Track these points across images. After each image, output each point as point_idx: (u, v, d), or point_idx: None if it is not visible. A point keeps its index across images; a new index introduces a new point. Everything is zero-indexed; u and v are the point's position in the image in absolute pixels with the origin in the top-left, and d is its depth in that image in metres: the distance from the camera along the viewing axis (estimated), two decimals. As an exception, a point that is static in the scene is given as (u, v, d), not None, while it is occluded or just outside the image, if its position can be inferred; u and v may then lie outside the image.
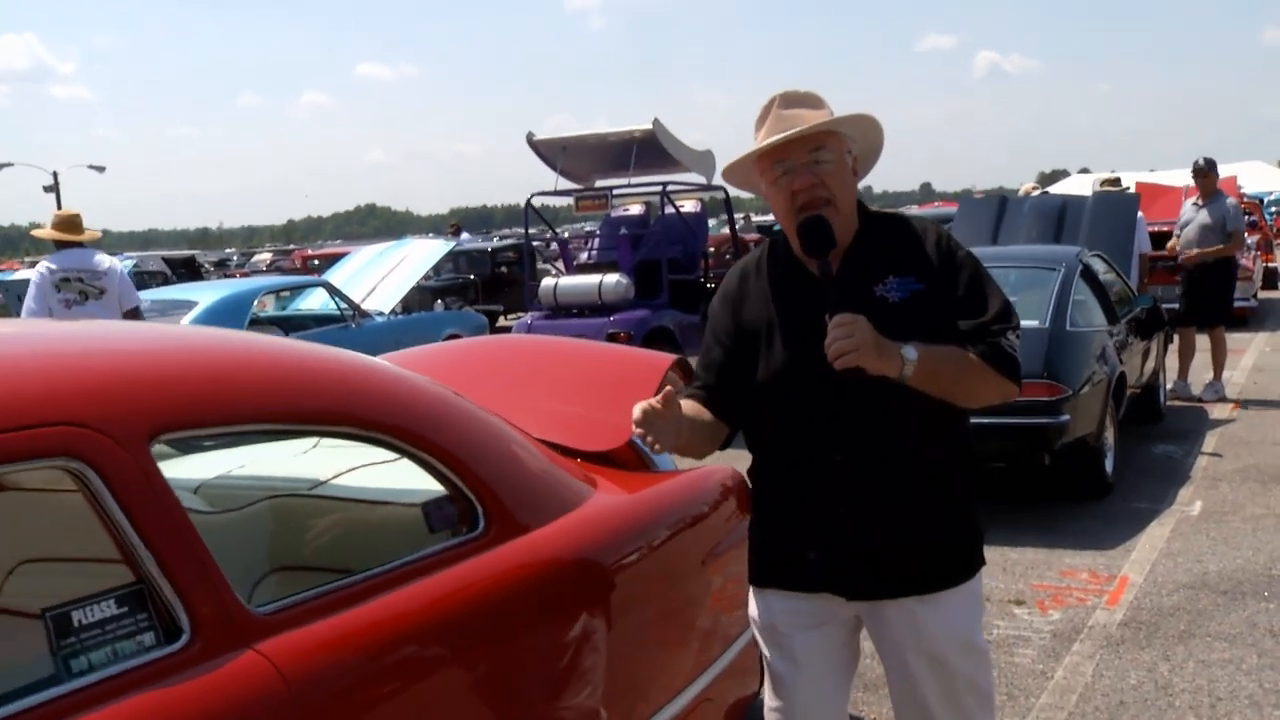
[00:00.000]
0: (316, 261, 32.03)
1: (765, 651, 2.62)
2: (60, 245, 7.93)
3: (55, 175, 49.83)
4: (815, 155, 2.34)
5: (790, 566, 2.50)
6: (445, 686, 2.18)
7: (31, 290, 7.93)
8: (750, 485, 2.62)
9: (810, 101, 2.40)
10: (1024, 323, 7.01)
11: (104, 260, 8.05)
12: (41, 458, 1.76)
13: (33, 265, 13.15)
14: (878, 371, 2.21)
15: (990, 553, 5.85)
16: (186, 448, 3.15)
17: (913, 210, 37.24)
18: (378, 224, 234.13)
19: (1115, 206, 10.02)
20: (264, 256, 54.41)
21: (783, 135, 2.32)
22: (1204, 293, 9.59)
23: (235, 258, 55.93)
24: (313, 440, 3.28)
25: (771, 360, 2.42)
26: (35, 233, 8.33)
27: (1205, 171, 9.68)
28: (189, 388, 1.99)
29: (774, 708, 2.60)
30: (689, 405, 2.45)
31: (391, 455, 2.85)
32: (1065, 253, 7.85)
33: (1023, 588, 5.47)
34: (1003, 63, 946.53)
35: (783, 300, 2.45)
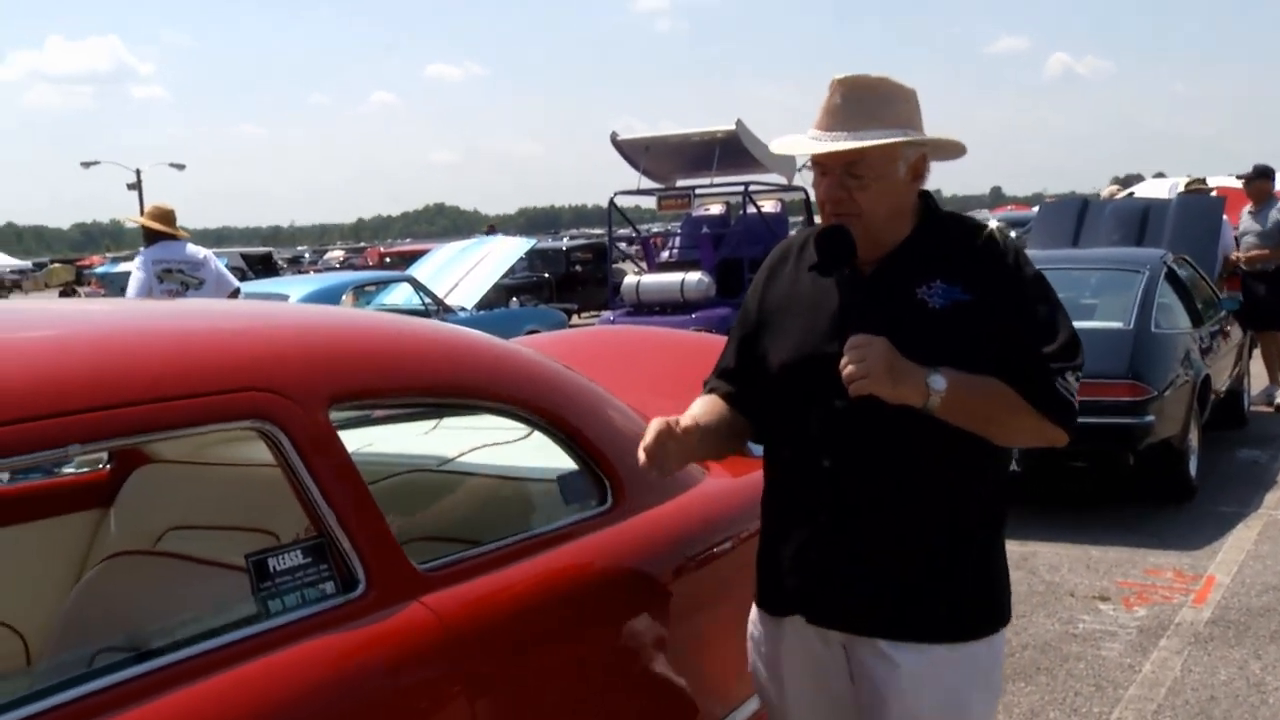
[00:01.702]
0: (389, 259, 32.62)
1: (753, 677, 2.41)
2: (154, 238, 8.12)
3: (138, 173, 51.01)
4: (850, 167, 2.09)
5: (766, 580, 2.31)
6: (580, 645, 2.33)
7: (135, 282, 8.18)
8: (764, 492, 2.38)
9: (876, 96, 2.11)
10: (1108, 324, 7.13)
11: (199, 252, 8.28)
12: (236, 419, 1.93)
13: (115, 260, 13.47)
14: (896, 401, 1.98)
15: (1073, 550, 5.99)
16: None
17: (983, 214, 36.91)
18: (446, 223, 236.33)
19: (1200, 210, 9.96)
20: (336, 254, 55.25)
21: (813, 148, 2.11)
22: (1258, 299, 9.51)
23: (308, 255, 56.92)
24: (432, 422, 3.47)
25: (781, 351, 2.22)
26: (133, 220, 8.55)
27: (1253, 178, 9.70)
28: (363, 359, 2.16)
29: None
30: (706, 406, 2.32)
31: (511, 435, 3.02)
32: (1150, 255, 7.85)
33: (1107, 584, 5.52)
34: (1075, 65, 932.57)
35: (804, 295, 2.23)
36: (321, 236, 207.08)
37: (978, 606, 2.14)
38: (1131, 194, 13.51)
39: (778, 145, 2.27)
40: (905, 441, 2.08)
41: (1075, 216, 10.34)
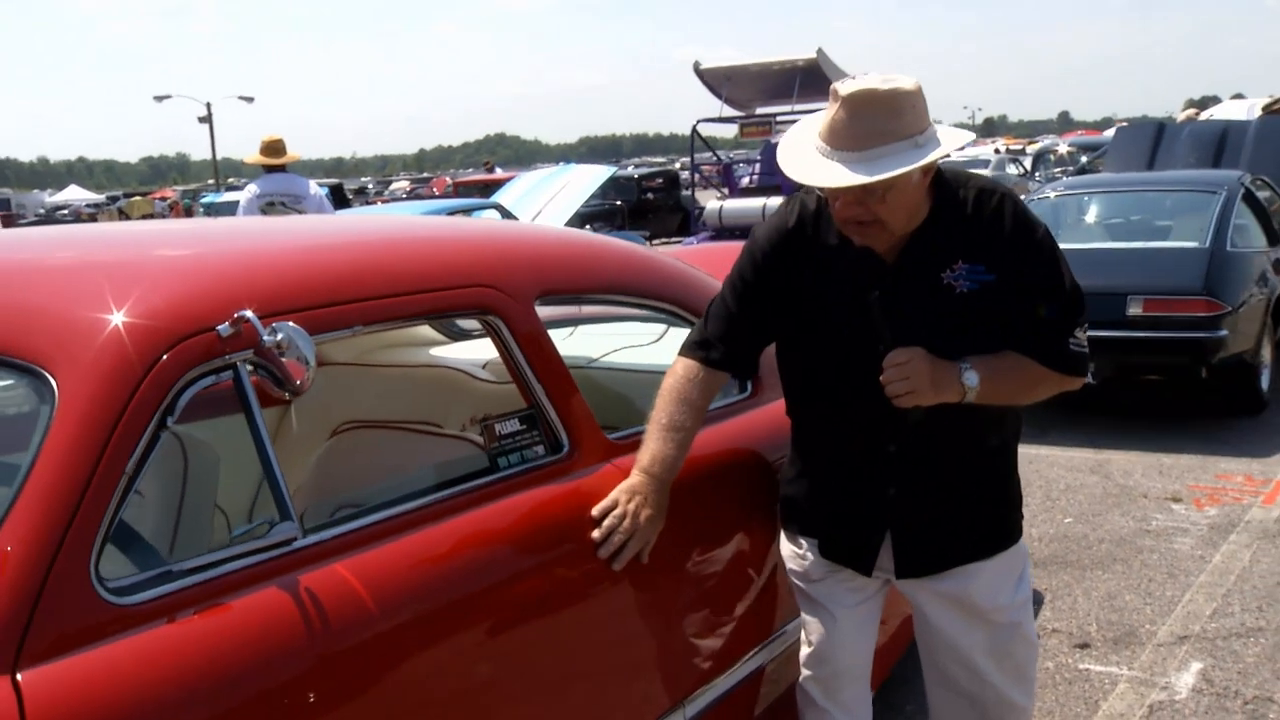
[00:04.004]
0: (452, 188, 33.11)
1: (797, 590, 2.59)
2: (267, 170, 8.55)
3: (209, 106, 51.87)
4: (866, 189, 2.10)
5: (827, 539, 2.48)
6: (731, 502, 2.74)
7: (240, 211, 8.65)
8: (792, 437, 2.56)
9: (884, 109, 2.06)
10: (1183, 244, 7.40)
11: (305, 184, 8.68)
12: (466, 310, 2.36)
13: (221, 189, 13.93)
14: (938, 402, 2.18)
15: (1145, 457, 6.37)
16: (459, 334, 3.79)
17: (1049, 140, 36.02)
18: (507, 153, 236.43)
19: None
20: (402, 184, 55.63)
21: (825, 181, 2.11)
22: None
23: (372, 186, 57.33)
24: (568, 329, 3.89)
25: (825, 343, 2.33)
26: (248, 159, 8.86)
27: None
28: (562, 262, 2.61)
29: (809, 642, 2.56)
30: (680, 390, 2.42)
31: (645, 339, 3.44)
32: (1227, 177, 8.04)
33: (1179, 488, 5.86)
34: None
35: (840, 277, 2.29)
36: (384, 167, 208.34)
37: (1015, 518, 2.47)
38: (1211, 116, 13.51)
39: (789, 167, 2.19)
40: (960, 422, 2.27)
41: (1151, 140, 10.49)
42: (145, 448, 1.72)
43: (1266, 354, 7.38)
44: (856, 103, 2.07)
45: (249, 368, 1.87)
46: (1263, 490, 5.75)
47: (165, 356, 1.78)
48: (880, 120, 2.06)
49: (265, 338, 1.84)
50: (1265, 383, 7.36)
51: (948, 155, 2.14)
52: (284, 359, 1.86)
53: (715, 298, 2.49)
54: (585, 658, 2.27)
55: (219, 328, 1.84)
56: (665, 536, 2.39)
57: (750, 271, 2.40)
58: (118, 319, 1.80)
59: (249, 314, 1.84)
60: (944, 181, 2.27)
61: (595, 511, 2.32)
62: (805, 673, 2.56)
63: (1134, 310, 6.70)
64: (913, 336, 2.20)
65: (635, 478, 2.36)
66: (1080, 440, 6.78)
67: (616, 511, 2.31)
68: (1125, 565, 4.85)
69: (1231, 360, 6.90)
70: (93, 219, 49.70)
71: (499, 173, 27.46)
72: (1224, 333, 6.71)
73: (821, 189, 2.21)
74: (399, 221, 3.29)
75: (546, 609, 2.17)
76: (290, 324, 1.87)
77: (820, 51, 11.46)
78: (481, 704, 2.03)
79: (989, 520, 2.41)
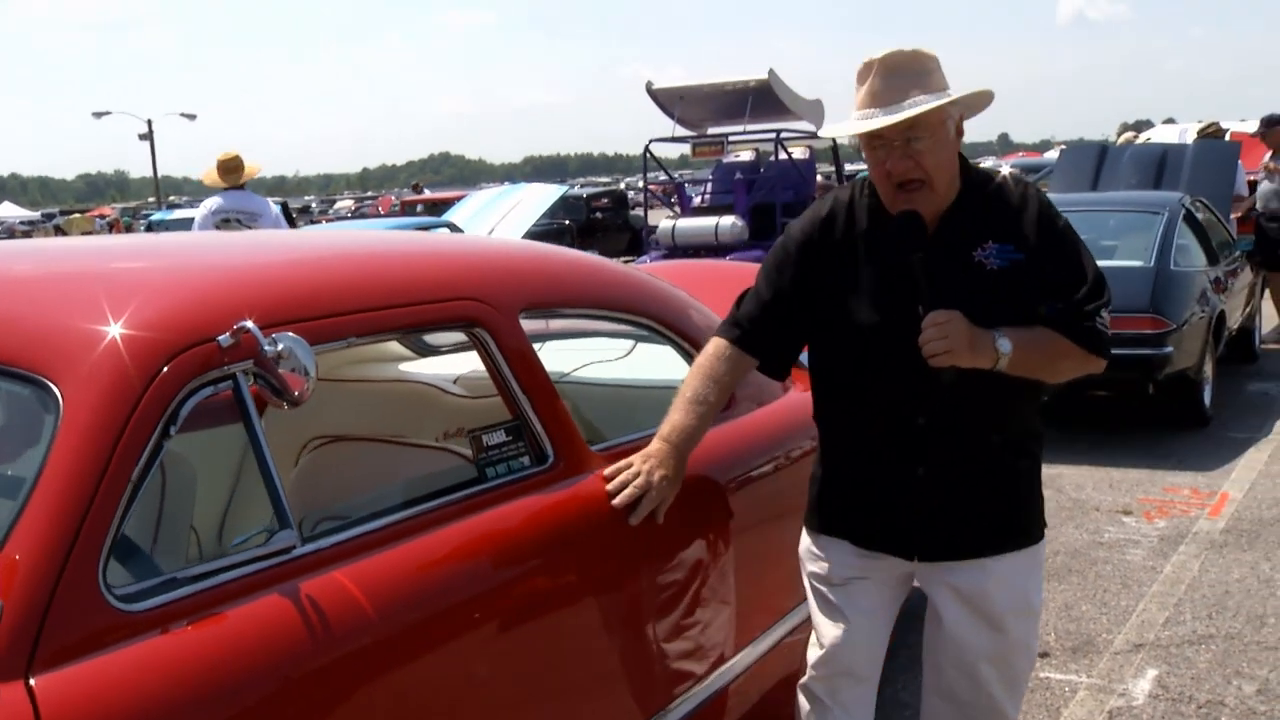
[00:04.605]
0: (398, 206, 33.23)
1: (815, 592, 2.59)
2: (223, 187, 8.46)
3: (149, 123, 51.21)
4: (910, 134, 2.25)
5: (857, 522, 2.50)
6: (710, 509, 2.79)
7: (196, 227, 8.59)
8: (819, 430, 2.61)
9: (913, 68, 2.27)
10: (1129, 263, 7.61)
11: (262, 202, 8.64)
12: (452, 322, 2.39)
13: (171, 207, 13.78)
14: (972, 365, 2.24)
15: (1096, 472, 6.50)
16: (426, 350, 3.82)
17: (990, 162, 36.88)
18: (452, 172, 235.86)
19: (1217, 154, 10.32)
20: (346, 203, 55.29)
21: (871, 125, 2.26)
22: (1271, 241, 9.87)
23: (316, 205, 56.90)
24: (538, 344, 3.94)
25: (858, 320, 2.38)
26: (205, 180, 8.74)
27: (1269, 126, 10.05)
28: (546, 277, 2.65)
29: (822, 645, 2.56)
30: (708, 366, 2.51)
31: (613, 354, 3.49)
32: (1169, 198, 8.26)
33: (1129, 501, 6.00)
34: (1088, 8, 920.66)
35: (873, 258, 2.39)
36: (327, 186, 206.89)
37: (1039, 513, 2.51)
38: (1149, 139, 13.84)
39: (832, 130, 2.46)
40: (987, 394, 2.33)
41: (1094, 161, 10.71)
42: (149, 457, 1.73)
43: (1209, 370, 7.58)
44: (889, 64, 2.27)
45: (249, 378, 1.89)
46: (1208, 502, 5.90)
47: (167, 367, 1.80)
48: (912, 78, 2.26)
49: (266, 348, 1.86)
50: (1208, 398, 7.56)
51: (968, 103, 2.34)
52: (281, 370, 1.89)
53: (750, 286, 2.57)
54: (579, 660, 2.31)
55: (220, 338, 1.86)
56: (656, 543, 2.43)
57: (783, 256, 2.49)
58: (121, 330, 1.82)
59: (249, 324, 1.87)
60: (971, 169, 2.41)
61: (608, 471, 2.39)
62: (811, 673, 2.58)
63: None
64: (948, 308, 2.26)
65: (653, 445, 2.46)
66: (1031, 455, 6.89)
67: (631, 470, 2.40)
68: (1080, 576, 4.96)
69: (1176, 376, 7.08)
70: (28, 236, 48.83)
71: (426, 193, 28.32)
72: (1169, 349, 6.89)
73: (869, 140, 2.30)
74: (384, 236, 3.31)
75: (538, 615, 2.21)
76: (290, 334, 1.89)
77: (771, 72, 11.64)
78: (478, 709, 2.06)
79: (1013, 512, 2.45)
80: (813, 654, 2.58)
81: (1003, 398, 2.36)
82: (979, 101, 2.40)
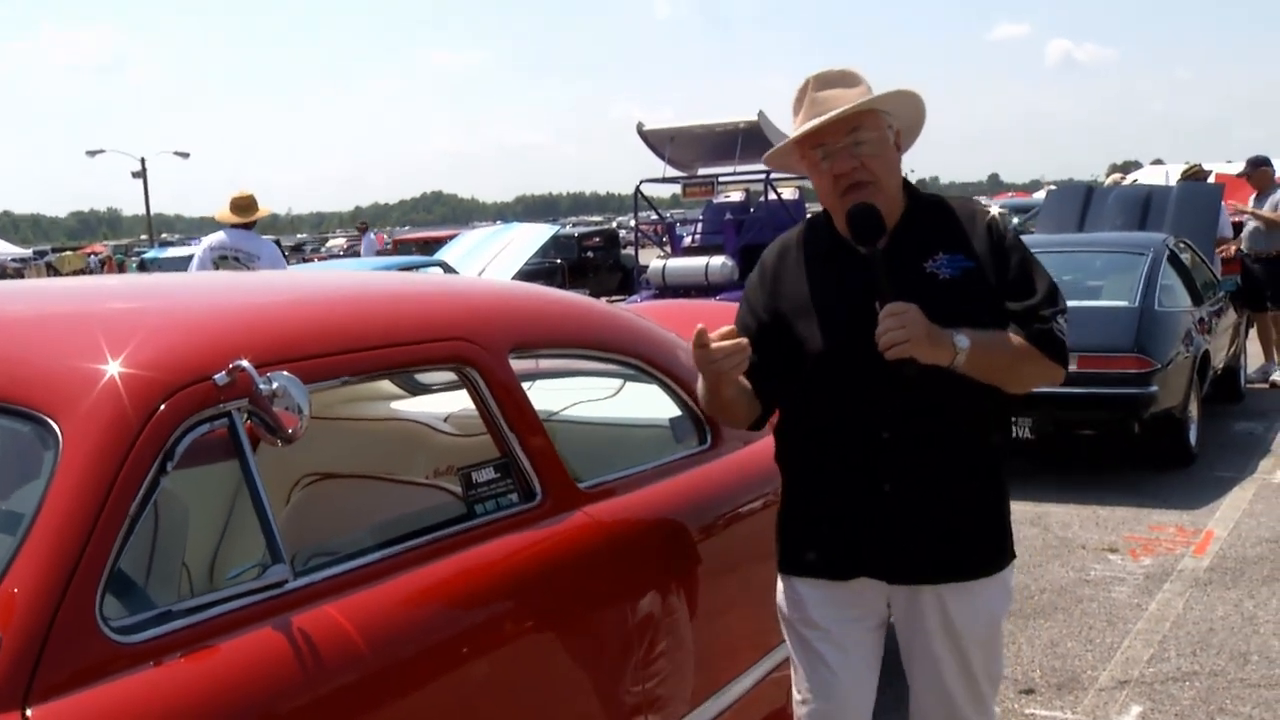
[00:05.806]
0: (390, 244, 33.48)
1: (796, 642, 2.52)
2: (233, 225, 8.39)
3: (143, 161, 51.41)
4: (854, 137, 2.29)
5: (828, 552, 2.44)
6: (697, 548, 2.84)
7: (194, 265, 8.67)
8: (782, 470, 2.56)
9: (846, 80, 2.35)
10: (1115, 303, 7.67)
11: (266, 244, 8.69)
12: (443, 362, 2.45)
13: (164, 244, 13.83)
14: (930, 361, 2.20)
15: (1082, 510, 6.55)
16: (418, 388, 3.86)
17: (984, 200, 37.29)
18: (444, 211, 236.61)
19: (1200, 196, 10.45)
20: (338, 242, 55.39)
21: (817, 120, 2.29)
22: (1256, 281, 9.98)
23: (309, 243, 57.02)
24: (528, 382, 3.99)
25: (817, 339, 2.37)
26: (217, 216, 8.74)
27: (1254, 167, 10.21)
28: (534, 318, 2.71)
29: (807, 699, 2.49)
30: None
31: (601, 394, 3.54)
32: (1153, 239, 8.36)
33: (1115, 539, 6.05)
34: (1075, 51, 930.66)
35: (827, 279, 2.41)
36: (320, 224, 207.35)
37: (1006, 537, 2.47)
38: (1135, 181, 14.00)
39: (775, 151, 2.48)
40: (951, 405, 2.32)
41: (1080, 202, 10.83)
42: (146, 492, 1.78)
43: (1194, 409, 7.64)
44: (823, 79, 2.37)
45: (244, 416, 1.94)
46: (1194, 540, 5.94)
47: (164, 405, 1.85)
48: (845, 84, 2.35)
49: (261, 386, 1.91)
50: (1194, 437, 7.62)
51: (914, 113, 2.41)
52: (275, 408, 1.93)
53: None
54: (566, 695, 2.34)
55: (216, 377, 1.91)
56: (643, 579, 2.47)
57: (754, 283, 2.55)
58: (119, 369, 1.87)
59: (245, 363, 1.91)
60: (915, 189, 2.46)
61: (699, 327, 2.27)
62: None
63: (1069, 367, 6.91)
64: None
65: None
66: (1019, 494, 6.88)
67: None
68: (1066, 614, 4.99)
69: (1162, 415, 7.14)
70: (19, 274, 48.78)
71: (376, 234, 29.46)
72: (1154, 389, 6.95)
73: (812, 149, 2.36)
74: (376, 278, 3.37)
75: (526, 650, 2.25)
76: (285, 373, 1.94)
77: (761, 114, 11.78)
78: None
79: (983, 531, 2.43)
80: (799, 710, 2.51)
81: (966, 409, 2.35)
82: (915, 116, 2.43)
